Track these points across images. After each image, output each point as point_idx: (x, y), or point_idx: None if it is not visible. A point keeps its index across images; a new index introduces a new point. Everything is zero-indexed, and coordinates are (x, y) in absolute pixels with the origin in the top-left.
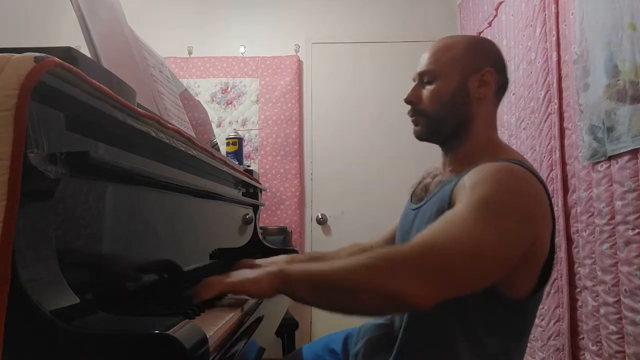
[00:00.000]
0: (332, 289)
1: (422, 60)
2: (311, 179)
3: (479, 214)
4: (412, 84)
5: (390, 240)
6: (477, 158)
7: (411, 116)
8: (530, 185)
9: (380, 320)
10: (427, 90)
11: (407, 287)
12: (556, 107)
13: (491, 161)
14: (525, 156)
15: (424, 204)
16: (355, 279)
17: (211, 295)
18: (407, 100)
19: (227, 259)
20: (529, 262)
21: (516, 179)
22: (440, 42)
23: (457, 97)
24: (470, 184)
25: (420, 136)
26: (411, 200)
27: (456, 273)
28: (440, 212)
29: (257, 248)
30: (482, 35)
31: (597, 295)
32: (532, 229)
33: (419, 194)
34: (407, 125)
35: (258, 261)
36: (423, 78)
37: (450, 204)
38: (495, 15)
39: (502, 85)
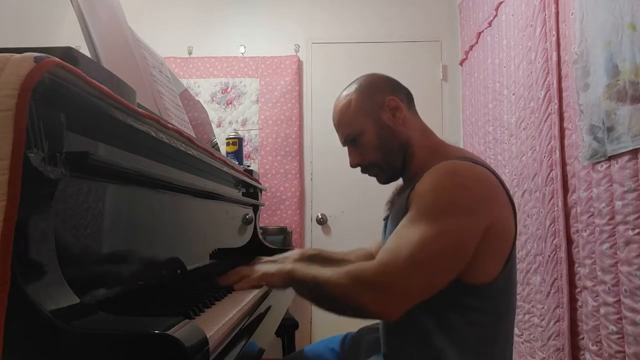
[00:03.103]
0: (321, 295)
1: (337, 129)
2: (311, 178)
3: (425, 222)
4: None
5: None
6: (426, 164)
7: (367, 173)
8: (473, 176)
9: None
10: (360, 148)
11: (371, 305)
12: (556, 107)
13: (439, 162)
14: (525, 156)
15: (390, 214)
16: (333, 292)
17: (251, 286)
18: (354, 165)
19: (227, 259)
20: (492, 248)
21: (457, 175)
22: (337, 106)
23: (384, 135)
24: (419, 190)
25: (386, 181)
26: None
27: (411, 286)
28: (400, 220)
29: (257, 248)
30: (482, 35)
31: (597, 295)
32: (480, 218)
33: (388, 206)
34: None
35: (275, 257)
36: (350, 142)
37: (407, 211)
38: (495, 15)
39: (406, 97)
